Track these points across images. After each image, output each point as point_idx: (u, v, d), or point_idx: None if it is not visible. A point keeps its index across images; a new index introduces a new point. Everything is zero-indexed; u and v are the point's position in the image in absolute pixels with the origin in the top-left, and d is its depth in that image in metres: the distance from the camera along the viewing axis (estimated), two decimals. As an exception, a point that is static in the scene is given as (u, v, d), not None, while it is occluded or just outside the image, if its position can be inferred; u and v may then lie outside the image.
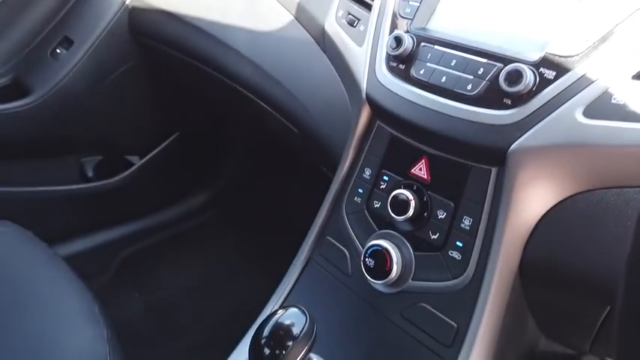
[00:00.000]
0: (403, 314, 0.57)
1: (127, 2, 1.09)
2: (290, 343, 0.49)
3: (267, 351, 0.50)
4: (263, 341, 0.50)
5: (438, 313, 0.54)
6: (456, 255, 0.54)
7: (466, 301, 0.52)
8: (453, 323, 0.53)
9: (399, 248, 0.58)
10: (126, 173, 1.27)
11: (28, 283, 0.80)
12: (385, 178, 0.60)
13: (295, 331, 0.50)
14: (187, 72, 1.07)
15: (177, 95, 1.25)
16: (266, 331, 0.50)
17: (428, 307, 0.55)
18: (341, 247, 0.64)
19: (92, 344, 0.71)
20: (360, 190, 0.63)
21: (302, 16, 0.81)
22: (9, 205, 1.06)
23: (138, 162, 1.30)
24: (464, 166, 0.53)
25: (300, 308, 0.52)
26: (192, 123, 1.34)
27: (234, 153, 1.43)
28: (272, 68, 0.85)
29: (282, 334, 0.50)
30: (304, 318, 0.51)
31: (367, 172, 0.62)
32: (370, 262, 0.58)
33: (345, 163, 0.64)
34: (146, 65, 1.17)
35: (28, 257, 0.85)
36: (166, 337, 1.19)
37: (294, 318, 0.51)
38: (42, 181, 1.17)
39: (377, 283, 0.58)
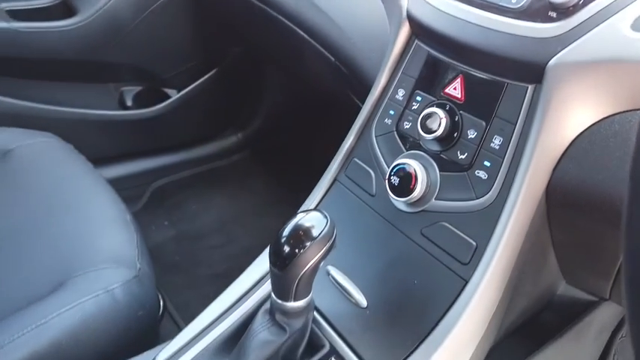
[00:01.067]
0: (423, 232, 0.57)
1: None
2: (308, 243, 0.50)
3: (286, 249, 0.51)
4: (283, 240, 0.51)
5: (458, 232, 0.54)
6: (482, 174, 0.53)
7: (488, 221, 0.52)
8: (472, 242, 0.53)
9: (425, 168, 0.57)
10: (162, 104, 1.30)
11: (66, 187, 0.84)
12: (418, 98, 0.59)
13: (315, 232, 0.51)
14: (231, 5, 1.08)
15: (219, 30, 1.26)
16: (286, 231, 0.52)
17: (448, 225, 0.55)
18: (367, 168, 0.64)
19: (123, 247, 0.74)
20: (392, 112, 0.62)
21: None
22: (52, 121, 1.09)
23: (175, 95, 1.32)
24: (499, 85, 0.52)
25: (321, 212, 0.53)
26: (232, 59, 1.35)
27: (270, 93, 1.43)
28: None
29: (301, 233, 0.51)
30: (325, 221, 0.52)
31: (400, 94, 0.62)
32: (395, 180, 0.58)
33: (379, 85, 0.64)
34: (193, -1, 1.18)
35: (68, 165, 0.89)
36: (191, 264, 1.23)
37: (315, 221, 0.52)
38: (83, 104, 1.21)
39: (400, 201, 0.58)
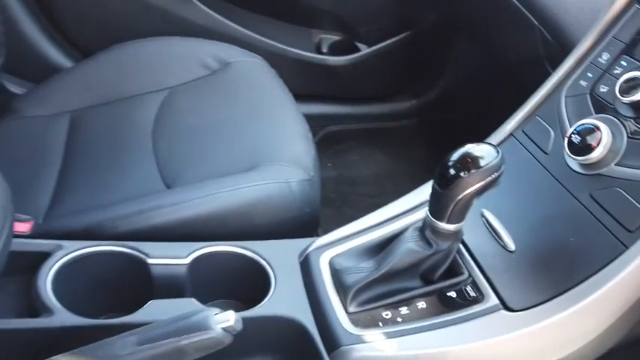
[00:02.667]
0: (593, 195, 0.57)
1: None
2: (474, 170, 0.54)
3: (452, 171, 0.55)
4: (451, 162, 0.55)
5: (631, 199, 0.53)
6: (676, 147, 0.51)
7: (669, 193, 0.50)
8: (644, 211, 0.52)
9: (612, 132, 0.57)
10: (351, 56, 1.40)
11: (267, 99, 0.98)
12: (623, 63, 0.58)
13: (482, 162, 0.54)
14: None
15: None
16: (455, 156, 0.56)
17: (622, 192, 0.54)
18: (547, 126, 0.65)
19: (303, 154, 0.85)
20: (590, 74, 0.62)
21: None
22: (259, 49, 1.25)
23: (364, 50, 1.42)
24: None
25: (494, 146, 0.56)
26: (425, 26, 1.39)
27: (453, 67, 1.45)
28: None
29: (469, 160, 0.55)
30: (495, 154, 0.55)
31: (604, 57, 0.61)
32: (576, 138, 0.58)
33: (582, 47, 0.64)
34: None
35: (271, 83, 1.03)
36: (342, 203, 1.33)
37: (485, 152, 0.55)
38: (286, 42, 1.36)
39: (576, 160, 0.58)
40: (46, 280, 0.57)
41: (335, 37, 1.43)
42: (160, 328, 0.46)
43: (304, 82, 1.42)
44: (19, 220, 0.64)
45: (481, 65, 1.37)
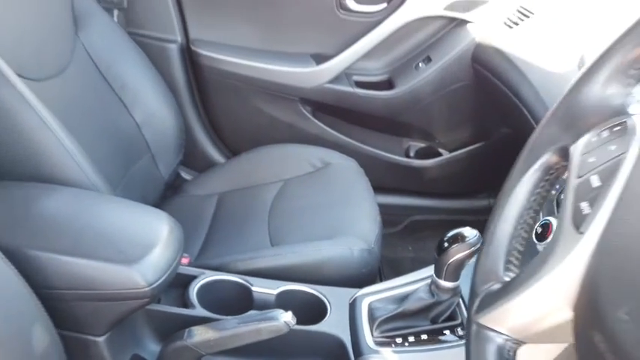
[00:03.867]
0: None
1: (476, 39, 1.52)
2: (456, 245, 0.82)
3: (445, 244, 0.83)
4: (445, 238, 0.84)
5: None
6: None
7: None
8: None
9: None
10: (434, 160, 1.72)
11: (352, 193, 1.33)
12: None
13: (467, 239, 0.82)
14: (504, 103, 1.40)
15: (492, 111, 1.60)
16: (449, 234, 0.84)
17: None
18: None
19: (369, 232, 1.17)
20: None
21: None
22: (354, 152, 1.62)
23: (446, 155, 1.73)
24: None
25: (474, 230, 0.84)
26: (498, 138, 1.66)
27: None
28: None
29: (458, 237, 0.83)
30: (475, 235, 0.82)
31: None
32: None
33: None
34: (476, 87, 1.57)
35: (356, 179, 1.39)
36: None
37: (468, 233, 0.83)
38: (379, 147, 1.73)
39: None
40: (193, 291, 0.96)
41: (421, 144, 1.77)
42: (251, 317, 0.81)
43: (394, 179, 1.76)
44: (183, 256, 1.05)
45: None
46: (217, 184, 1.44)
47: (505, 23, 1.48)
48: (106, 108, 1.22)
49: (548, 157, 0.52)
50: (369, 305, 0.95)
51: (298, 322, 0.85)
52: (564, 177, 0.50)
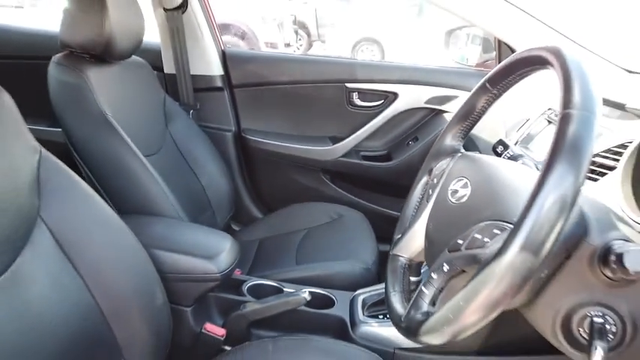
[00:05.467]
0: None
1: (450, 123, 2.04)
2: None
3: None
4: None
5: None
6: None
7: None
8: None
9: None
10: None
11: (354, 234, 1.80)
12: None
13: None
14: None
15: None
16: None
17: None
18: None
19: (367, 257, 1.63)
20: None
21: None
22: (364, 210, 2.10)
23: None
24: None
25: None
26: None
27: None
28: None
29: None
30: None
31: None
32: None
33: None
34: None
35: (361, 228, 1.86)
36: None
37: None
38: (380, 204, 2.21)
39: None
40: (244, 289, 1.43)
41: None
42: (281, 295, 1.28)
43: (393, 230, 2.21)
44: (237, 270, 1.54)
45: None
46: (258, 233, 1.94)
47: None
48: (184, 176, 1.78)
49: (425, 174, 1.00)
50: (363, 298, 1.39)
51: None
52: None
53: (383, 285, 1.41)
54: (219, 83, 2.10)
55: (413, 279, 0.93)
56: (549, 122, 1.33)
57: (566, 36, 1.57)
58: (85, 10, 1.34)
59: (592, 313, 0.66)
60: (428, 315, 0.69)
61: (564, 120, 0.58)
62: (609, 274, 0.63)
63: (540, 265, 0.57)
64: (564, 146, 0.56)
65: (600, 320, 0.65)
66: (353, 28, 10.20)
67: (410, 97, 2.06)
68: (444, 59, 2.30)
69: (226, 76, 2.12)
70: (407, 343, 1.24)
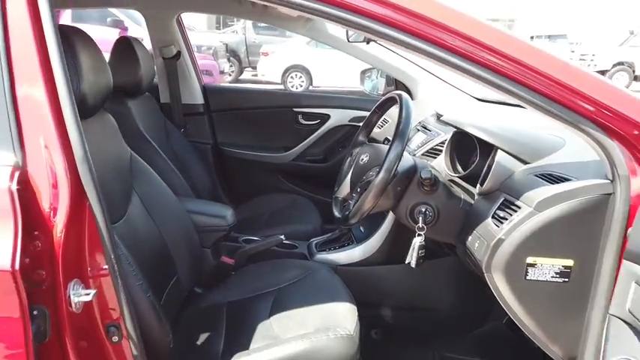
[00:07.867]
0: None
1: (367, 134, 2.95)
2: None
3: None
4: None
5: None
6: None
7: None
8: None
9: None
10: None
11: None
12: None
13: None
14: None
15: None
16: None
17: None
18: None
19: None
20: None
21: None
22: (308, 197, 2.95)
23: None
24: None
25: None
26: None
27: None
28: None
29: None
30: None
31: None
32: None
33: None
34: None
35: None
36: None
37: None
38: (322, 193, 3.07)
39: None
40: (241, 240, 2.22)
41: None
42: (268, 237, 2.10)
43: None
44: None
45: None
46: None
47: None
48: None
49: (349, 156, 1.88)
50: (315, 242, 2.22)
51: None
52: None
53: (327, 235, 2.26)
54: (201, 109, 2.89)
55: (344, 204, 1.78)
56: (418, 129, 2.24)
57: (435, 75, 2.53)
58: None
59: (421, 207, 1.53)
60: (349, 211, 1.54)
61: (398, 125, 1.46)
62: (426, 188, 1.51)
63: (394, 183, 1.44)
64: (398, 134, 1.44)
65: (424, 209, 1.53)
66: (283, 56, 11.08)
67: (339, 117, 2.95)
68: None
69: (206, 104, 2.91)
70: (343, 261, 2.08)
